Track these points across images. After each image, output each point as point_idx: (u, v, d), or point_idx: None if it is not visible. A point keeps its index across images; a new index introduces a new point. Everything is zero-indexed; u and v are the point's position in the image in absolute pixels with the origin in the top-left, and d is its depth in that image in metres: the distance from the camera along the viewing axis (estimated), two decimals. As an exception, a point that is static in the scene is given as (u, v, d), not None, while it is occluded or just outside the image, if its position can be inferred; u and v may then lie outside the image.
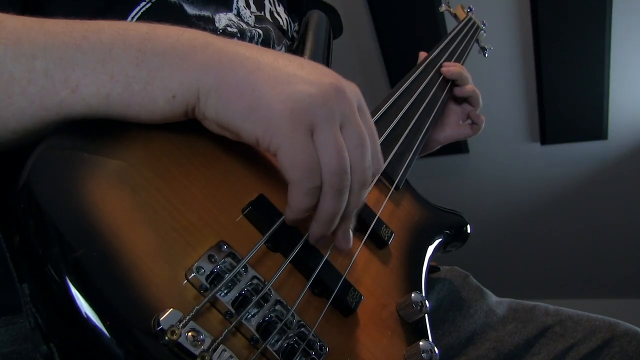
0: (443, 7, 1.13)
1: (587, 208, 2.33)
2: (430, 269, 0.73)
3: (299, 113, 0.33)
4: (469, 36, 1.03)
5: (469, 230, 0.66)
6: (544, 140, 2.14)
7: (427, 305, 0.44)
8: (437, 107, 0.77)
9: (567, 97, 1.96)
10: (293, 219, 0.36)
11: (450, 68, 0.83)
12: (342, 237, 0.39)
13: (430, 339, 0.43)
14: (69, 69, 0.31)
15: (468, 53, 1.00)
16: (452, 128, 0.85)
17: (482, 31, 1.12)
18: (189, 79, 0.33)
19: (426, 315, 0.44)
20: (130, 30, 0.33)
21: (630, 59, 1.82)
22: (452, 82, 0.84)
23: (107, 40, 0.32)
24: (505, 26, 1.88)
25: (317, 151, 0.34)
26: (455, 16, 1.13)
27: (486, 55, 1.15)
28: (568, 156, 2.18)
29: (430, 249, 0.57)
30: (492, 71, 1.99)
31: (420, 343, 0.40)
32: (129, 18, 0.46)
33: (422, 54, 0.88)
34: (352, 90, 0.38)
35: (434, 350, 0.40)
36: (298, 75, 0.35)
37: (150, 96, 0.33)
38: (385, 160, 0.59)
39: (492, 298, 0.72)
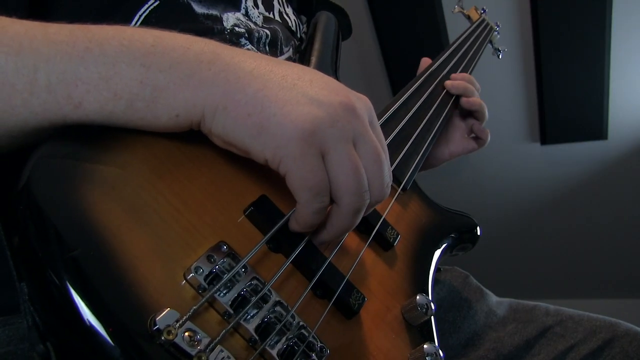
0: (456, 9, 1.12)
1: (587, 208, 2.33)
2: (431, 269, 0.73)
3: (308, 136, 0.32)
4: (482, 37, 1.02)
5: (479, 232, 0.65)
6: (544, 140, 2.14)
7: (433, 307, 0.43)
8: (448, 107, 0.77)
9: (567, 97, 1.95)
10: (298, 231, 0.37)
11: (455, 82, 0.80)
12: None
13: (437, 343, 0.42)
14: (71, 84, 0.31)
15: (481, 54, 0.99)
16: (456, 144, 0.83)
17: (496, 32, 1.11)
18: (193, 98, 0.33)
19: (432, 317, 0.44)
20: (136, 41, 0.33)
21: (630, 59, 1.82)
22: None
23: (111, 54, 0.31)
24: (505, 26, 1.88)
25: (333, 172, 0.33)
26: (468, 17, 1.12)
27: (500, 56, 1.14)
28: (568, 156, 2.18)
29: (438, 252, 0.56)
30: (492, 71, 1.98)
31: (425, 346, 0.39)
32: (137, 16, 0.46)
33: (425, 61, 0.85)
34: (363, 105, 0.37)
35: (439, 354, 0.39)
36: (307, 94, 0.34)
37: (154, 114, 0.32)
38: (393, 161, 0.58)
39: (493, 298, 0.72)
